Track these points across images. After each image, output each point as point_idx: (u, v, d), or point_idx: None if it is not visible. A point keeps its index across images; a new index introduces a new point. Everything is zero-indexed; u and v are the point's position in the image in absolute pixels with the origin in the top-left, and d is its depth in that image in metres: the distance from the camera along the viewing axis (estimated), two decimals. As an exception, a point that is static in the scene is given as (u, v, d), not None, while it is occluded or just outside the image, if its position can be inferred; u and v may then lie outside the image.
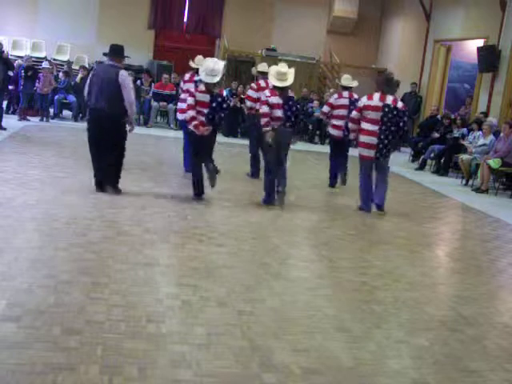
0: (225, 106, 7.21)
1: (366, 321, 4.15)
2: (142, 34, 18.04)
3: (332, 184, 9.19)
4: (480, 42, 14.43)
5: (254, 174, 9.20)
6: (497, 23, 13.57)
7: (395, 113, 7.38)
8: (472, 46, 14.95)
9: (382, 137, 7.37)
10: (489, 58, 13.44)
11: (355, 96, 8.88)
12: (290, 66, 7.57)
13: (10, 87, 13.52)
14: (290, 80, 7.30)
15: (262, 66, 9.51)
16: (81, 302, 3.90)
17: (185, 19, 18.55)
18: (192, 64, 9.16)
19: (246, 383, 3.17)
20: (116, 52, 7.10)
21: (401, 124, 7.41)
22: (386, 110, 7.35)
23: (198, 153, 7.22)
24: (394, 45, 18.77)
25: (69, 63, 16.22)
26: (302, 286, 4.75)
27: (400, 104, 7.54)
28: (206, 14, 18.54)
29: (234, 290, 4.45)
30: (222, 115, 7.14)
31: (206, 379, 3.15)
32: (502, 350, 3.93)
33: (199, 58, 9.09)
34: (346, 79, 9.23)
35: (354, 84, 9.17)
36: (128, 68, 13.12)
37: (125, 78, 6.97)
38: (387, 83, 7.64)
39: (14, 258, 4.58)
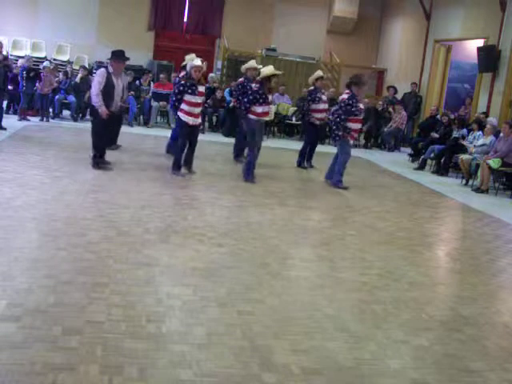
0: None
1: (366, 321, 4.16)
2: (142, 34, 18.07)
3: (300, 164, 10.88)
4: (480, 42, 14.44)
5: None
6: (497, 23, 13.58)
7: (341, 105, 9.04)
8: (472, 46, 14.96)
9: (332, 124, 9.30)
10: (489, 57, 13.45)
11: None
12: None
13: (10, 87, 13.55)
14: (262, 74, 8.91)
15: (249, 64, 10.72)
16: (81, 302, 3.90)
17: (185, 19, 18.57)
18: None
19: (245, 383, 3.17)
20: (112, 55, 8.50)
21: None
22: (335, 103, 9.48)
23: (184, 139, 8.70)
24: (394, 45, 18.78)
25: (69, 63, 16.23)
26: (302, 286, 4.75)
27: (341, 97, 9.32)
28: (206, 14, 18.55)
29: (234, 290, 4.45)
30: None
31: (206, 379, 3.15)
32: (502, 350, 3.93)
33: (187, 57, 9.72)
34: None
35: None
36: (128, 68, 13.14)
37: (95, 75, 8.61)
38: (354, 79, 9.25)
39: (14, 257, 4.58)
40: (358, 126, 9.24)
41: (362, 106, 9.17)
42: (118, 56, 8.39)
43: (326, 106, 10.65)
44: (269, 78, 8.71)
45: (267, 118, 9.06)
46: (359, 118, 9.17)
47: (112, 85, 8.31)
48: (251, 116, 8.76)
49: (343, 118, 8.94)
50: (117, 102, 8.59)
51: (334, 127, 9.09)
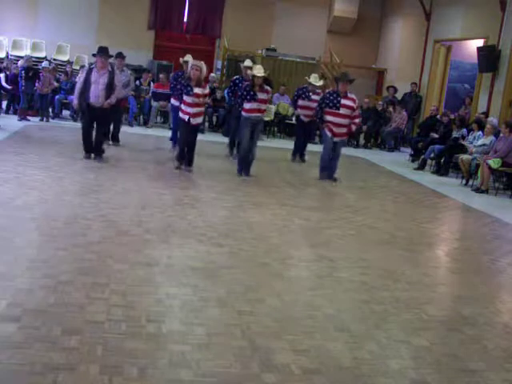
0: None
1: (366, 321, 4.16)
2: (141, 34, 18.04)
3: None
4: (480, 42, 14.43)
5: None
6: (497, 23, 13.57)
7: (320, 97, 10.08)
8: (472, 46, 14.96)
9: None
10: (489, 58, 13.44)
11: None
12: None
13: (10, 87, 13.55)
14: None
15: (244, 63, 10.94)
16: (81, 302, 3.90)
17: (185, 19, 18.55)
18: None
19: (245, 383, 3.17)
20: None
21: None
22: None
23: (184, 138, 8.97)
24: (394, 45, 18.77)
25: (69, 63, 16.23)
26: (302, 286, 4.75)
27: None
28: (206, 14, 18.53)
29: (234, 290, 4.45)
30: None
31: (206, 379, 3.15)
32: (502, 350, 3.93)
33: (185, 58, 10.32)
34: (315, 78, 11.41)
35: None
36: (128, 68, 13.12)
37: None
38: (338, 75, 10.38)
39: (14, 257, 4.58)
40: (334, 119, 9.37)
41: (346, 102, 9.34)
42: (98, 51, 8.82)
43: (315, 105, 10.58)
44: (253, 78, 9.09)
45: (267, 118, 9.24)
46: (337, 111, 9.32)
47: (89, 80, 8.65)
48: (242, 113, 9.20)
49: (318, 109, 9.67)
50: (98, 97, 8.68)
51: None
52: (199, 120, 9.04)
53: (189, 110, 8.77)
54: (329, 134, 9.49)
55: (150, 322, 3.73)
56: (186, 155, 9.03)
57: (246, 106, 9.06)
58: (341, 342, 3.78)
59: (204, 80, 9.04)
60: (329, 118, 9.41)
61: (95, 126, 8.99)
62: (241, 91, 9.40)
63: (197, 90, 8.71)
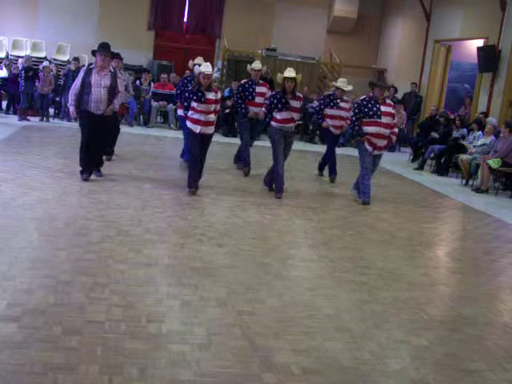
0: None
1: (366, 321, 4.16)
2: (141, 33, 18.05)
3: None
4: (480, 42, 14.44)
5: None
6: (497, 23, 13.58)
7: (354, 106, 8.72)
8: (472, 46, 14.96)
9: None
10: (489, 57, 13.45)
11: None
12: (289, 66, 8.62)
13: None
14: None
15: (255, 64, 9.82)
16: (81, 302, 3.90)
17: (185, 19, 18.55)
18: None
19: (245, 383, 3.17)
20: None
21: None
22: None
23: (195, 149, 7.73)
24: (394, 45, 18.78)
25: (69, 63, 16.24)
26: (301, 286, 4.75)
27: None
28: (206, 14, 18.54)
29: (234, 290, 4.45)
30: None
31: (206, 379, 3.15)
32: (502, 350, 3.93)
33: (195, 61, 9.45)
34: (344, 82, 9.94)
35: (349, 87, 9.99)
36: (128, 68, 13.14)
37: None
38: (374, 80, 9.46)
39: (14, 257, 4.58)
40: (376, 129, 8.06)
41: (386, 109, 8.14)
42: (98, 48, 7.46)
43: (345, 113, 9.69)
44: (284, 82, 7.93)
45: (290, 125, 8.13)
46: (378, 120, 8.05)
47: (88, 82, 7.36)
48: (272, 123, 8.14)
49: (353, 120, 8.23)
50: (99, 102, 7.43)
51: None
52: (211, 130, 7.76)
53: (201, 118, 7.56)
54: (369, 148, 8.13)
55: (150, 321, 3.73)
56: (199, 174, 7.86)
57: (278, 115, 7.96)
58: (341, 341, 3.78)
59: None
60: (369, 128, 8.05)
61: (96, 137, 7.57)
62: (269, 99, 8.20)
63: (209, 96, 7.57)
